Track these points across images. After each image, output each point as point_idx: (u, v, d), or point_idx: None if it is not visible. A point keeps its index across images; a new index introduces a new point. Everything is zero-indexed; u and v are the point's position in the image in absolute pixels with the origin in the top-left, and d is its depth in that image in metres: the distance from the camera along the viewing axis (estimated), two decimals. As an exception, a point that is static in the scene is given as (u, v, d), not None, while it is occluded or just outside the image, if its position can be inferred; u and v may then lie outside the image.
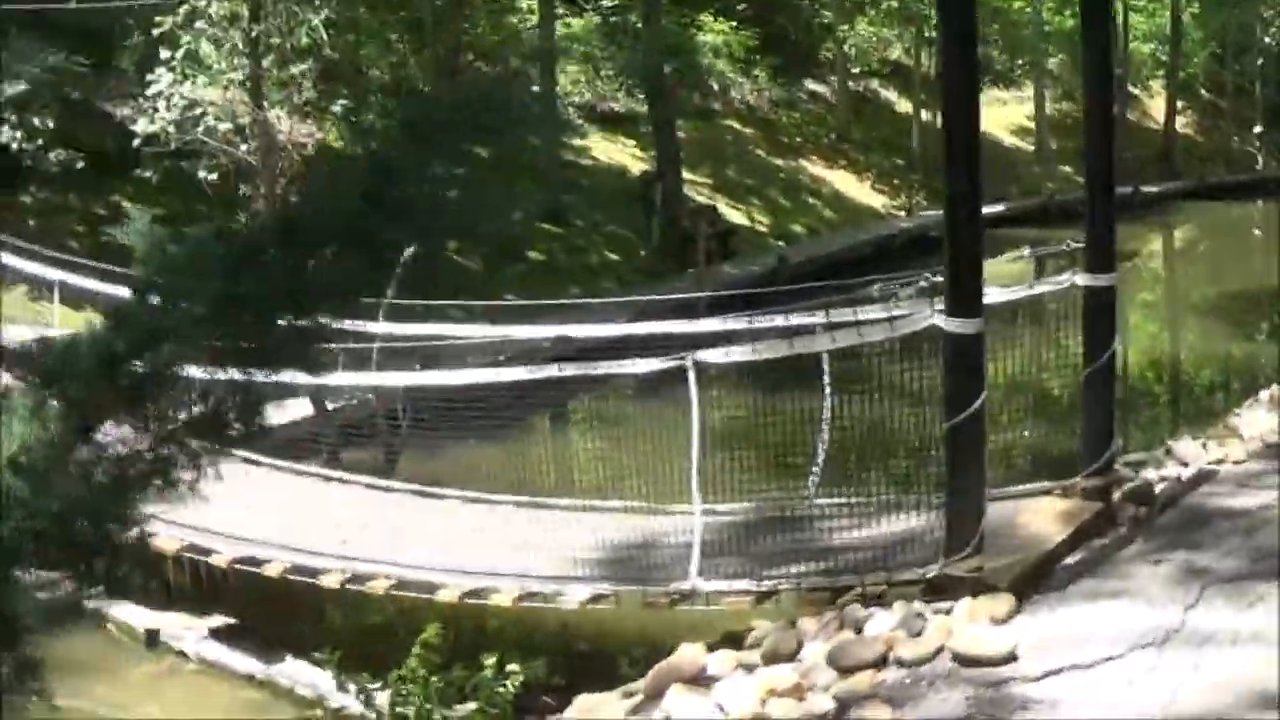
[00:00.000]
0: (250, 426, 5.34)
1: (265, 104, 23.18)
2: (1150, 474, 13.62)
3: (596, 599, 11.99)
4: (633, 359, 11.59)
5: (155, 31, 24.26)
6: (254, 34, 23.16)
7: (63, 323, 23.35)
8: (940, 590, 10.38)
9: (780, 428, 12.39)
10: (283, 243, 4.70)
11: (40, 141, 26.32)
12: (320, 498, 16.10)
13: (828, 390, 12.60)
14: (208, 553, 15.01)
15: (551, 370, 12.51)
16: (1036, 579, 10.59)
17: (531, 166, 39.62)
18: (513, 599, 12.45)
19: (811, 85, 54.56)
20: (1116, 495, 12.36)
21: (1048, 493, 12.40)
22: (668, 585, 11.51)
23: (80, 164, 27.08)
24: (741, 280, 35.24)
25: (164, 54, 24.19)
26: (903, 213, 47.20)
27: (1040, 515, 11.86)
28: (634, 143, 44.71)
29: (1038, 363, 13.17)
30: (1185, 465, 14.02)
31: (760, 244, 41.65)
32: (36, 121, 26.19)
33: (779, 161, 49.24)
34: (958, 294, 10.30)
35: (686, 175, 42.57)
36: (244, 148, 23.46)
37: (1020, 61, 58.46)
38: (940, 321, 10.14)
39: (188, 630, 15.05)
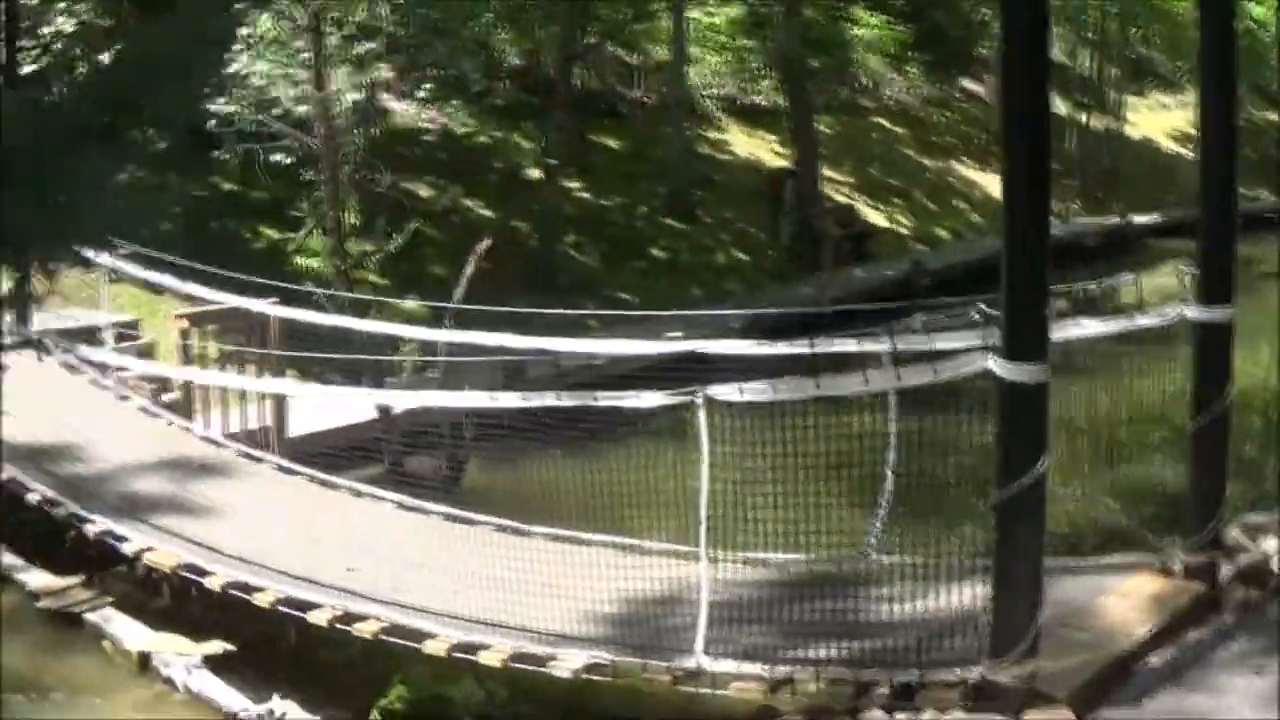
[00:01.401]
0: None
1: (328, 85, 21.30)
2: (1271, 545, 11.17)
3: (592, 668, 10.26)
4: (642, 391, 9.80)
5: (237, 6, 22.66)
6: (311, 7, 21.29)
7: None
8: (984, 697, 8.46)
9: (831, 468, 10.39)
10: None
11: (118, 116, 24.89)
12: (341, 514, 14.48)
13: (893, 429, 10.75)
14: (203, 573, 13.53)
15: (549, 399, 10.73)
16: (1107, 688, 8.70)
17: (660, 159, 38.15)
18: (502, 659, 10.77)
19: (967, 84, 52.42)
20: (1224, 573, 10.38)
21: (1141, 567, 10.47)
22: (670, 660, 9.76)
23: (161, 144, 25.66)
24: (872, 285, 33.54)
25: (243, 30, 22.59)
26: (1054, 220, 44.80)
27: (1127, 598, 9.94)
28: (776, 138, 42.88)
29: (1143, 404, 11.23)
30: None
31: (900, 247, 39.69)
32: (122, 97, 24.81)
33: (927, 162, 47.26)
34: (1015, 333, 8.41)
35: (828, 173, 40.84)
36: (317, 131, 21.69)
37: (1182, 64, 55.74)
38: (994, 366, 8.26)
39: (180, 656, 13.55)
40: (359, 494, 15.49)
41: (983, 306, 10.01)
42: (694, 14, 42.50)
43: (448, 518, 14.45)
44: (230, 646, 13.57)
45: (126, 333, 20.76)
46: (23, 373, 18.92)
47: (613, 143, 39.75)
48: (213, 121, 22.98)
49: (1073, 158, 47.73)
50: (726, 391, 8.91)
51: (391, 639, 11.59)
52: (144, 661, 13.61)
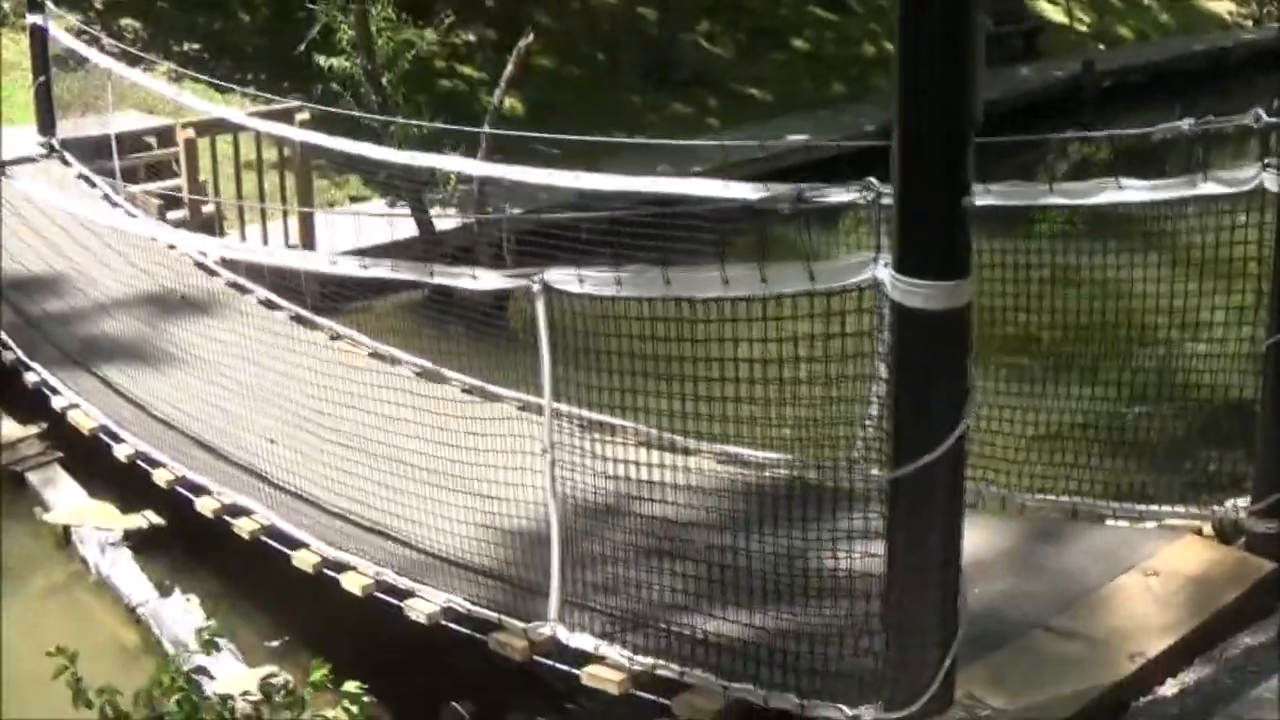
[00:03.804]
0: None
1: None
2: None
3: (450, 614, 8.12)
4: (481, 270, 7.57)
5: None
6: None
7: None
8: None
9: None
10: None
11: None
12: (300, 365, 11.02)
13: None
14: (117, 439, 11.65)
15: (383, 270, 8.42)
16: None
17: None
18: (362, 587, 8.70)
19: None
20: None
21: (1186, 529, 7.79)
22: (528, 622, 7.55)
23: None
24: (1033, 86, 30.83)
25: None
26: (1250, 22, 41.09)
27: (1160, 579, 7.14)
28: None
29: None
30: None
31: (1078, 46, 36.29)
32: None
33: (1122, -46, 43.45)
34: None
35: (1006, -40, 37.49)
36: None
37: None
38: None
39: (101, 531, 11.71)
40: (337, 336, 13.33)
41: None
42: None
43: (421, 373, 12.22)
44: (159, 520, 11.74)
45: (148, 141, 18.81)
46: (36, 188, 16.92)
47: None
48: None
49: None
50: (566, 280, 6.63)
51: (269, 541, 9.58)
52: (65, 536, 11.89)
